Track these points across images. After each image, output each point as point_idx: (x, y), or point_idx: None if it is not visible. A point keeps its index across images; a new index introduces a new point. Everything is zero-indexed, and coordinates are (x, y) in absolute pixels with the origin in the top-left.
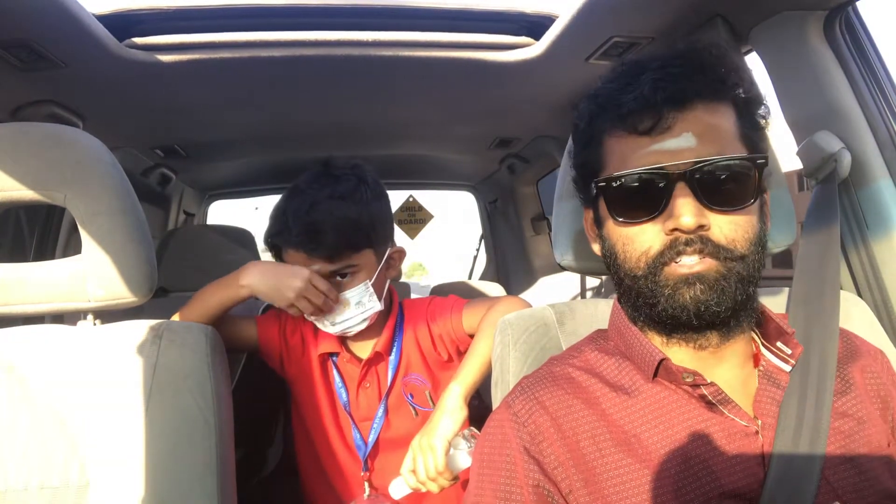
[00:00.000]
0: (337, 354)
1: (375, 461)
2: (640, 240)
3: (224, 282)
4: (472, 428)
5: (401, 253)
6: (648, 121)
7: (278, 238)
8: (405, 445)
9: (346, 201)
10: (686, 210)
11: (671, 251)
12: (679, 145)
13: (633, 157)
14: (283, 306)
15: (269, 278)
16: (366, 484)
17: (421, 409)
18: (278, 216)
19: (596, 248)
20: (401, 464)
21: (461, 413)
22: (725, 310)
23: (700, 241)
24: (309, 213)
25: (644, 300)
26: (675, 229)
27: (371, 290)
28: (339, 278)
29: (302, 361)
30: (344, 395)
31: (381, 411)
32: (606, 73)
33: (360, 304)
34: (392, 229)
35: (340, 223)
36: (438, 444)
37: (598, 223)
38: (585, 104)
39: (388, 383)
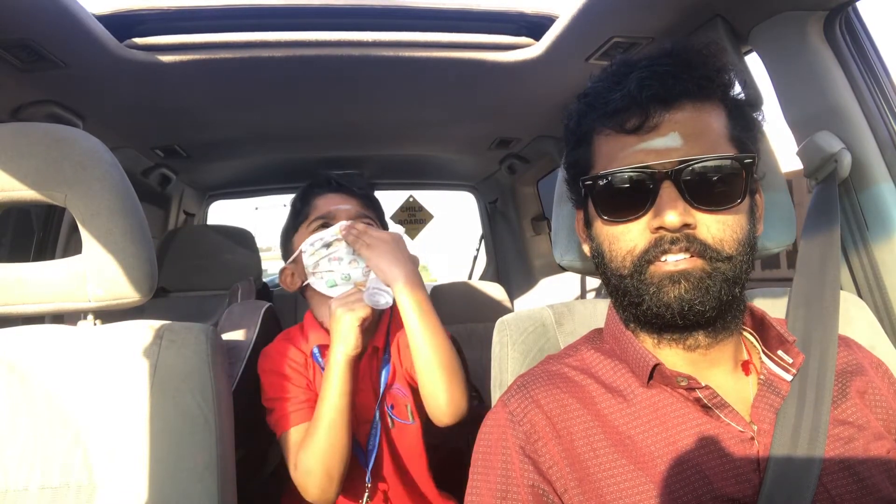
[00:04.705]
0: (326, 346)
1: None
2: (626, 238)
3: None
4: None
5: None
6: (635, 119)
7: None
8: (389, 459)
9: None
10: (671, 208)
11: (656, 249)
12: (666, 144)
13: (620, 156)
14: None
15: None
16: (366, 495)
17: (398, 421)
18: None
19: (586, 248)
20: (394, 477)
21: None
22: (710, 309)
23: (686, 240)
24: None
25: (630, 299)
26: (661, 227)
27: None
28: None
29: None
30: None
31: (377, 416)
32: (597, 74)
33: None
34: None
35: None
36: None
37: (588, 224)
38: (575, 104)
39: (382, 388)
